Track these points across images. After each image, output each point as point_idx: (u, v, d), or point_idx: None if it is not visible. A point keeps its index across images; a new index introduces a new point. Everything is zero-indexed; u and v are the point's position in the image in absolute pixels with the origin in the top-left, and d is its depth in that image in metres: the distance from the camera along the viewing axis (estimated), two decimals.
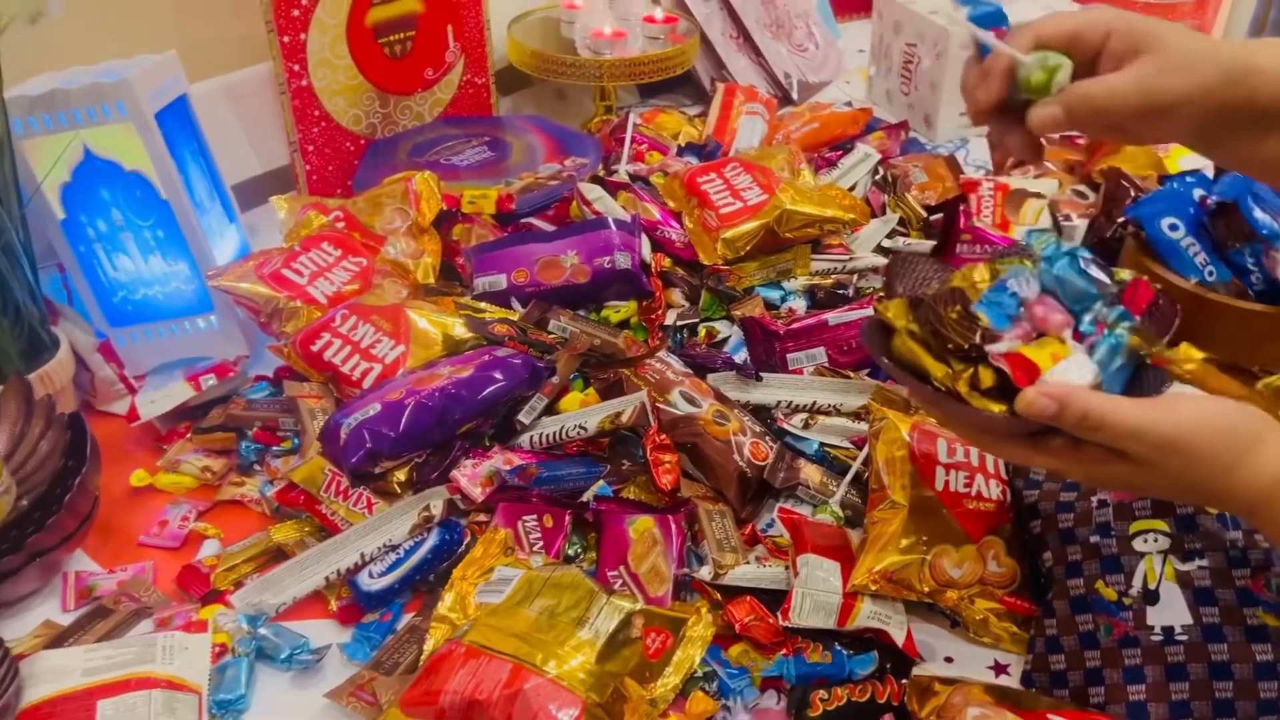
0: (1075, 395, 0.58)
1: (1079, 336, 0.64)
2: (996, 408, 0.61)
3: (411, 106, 1.36)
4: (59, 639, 0.78)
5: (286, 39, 1.20)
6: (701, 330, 1.05)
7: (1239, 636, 0.68)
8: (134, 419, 0.95)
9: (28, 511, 0.81)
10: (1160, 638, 0.69)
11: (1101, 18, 0.65)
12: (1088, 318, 0.64)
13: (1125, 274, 0.67)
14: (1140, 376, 0.64)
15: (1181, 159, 1.28)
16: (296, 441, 0.94)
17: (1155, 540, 0.72)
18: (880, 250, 1.16)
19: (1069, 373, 0.60)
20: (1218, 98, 0.63)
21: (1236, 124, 0.65)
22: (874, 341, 0.68)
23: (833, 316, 1.01)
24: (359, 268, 1.06)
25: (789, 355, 1.00)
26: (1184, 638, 0.68)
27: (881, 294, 1.05)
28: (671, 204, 1.17)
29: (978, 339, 0.63)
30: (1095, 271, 0.65)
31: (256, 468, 0.94)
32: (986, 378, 0.62)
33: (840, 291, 1.08)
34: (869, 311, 1.00)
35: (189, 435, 0.96)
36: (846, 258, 1.13)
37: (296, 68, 1.22)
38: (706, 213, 1.12)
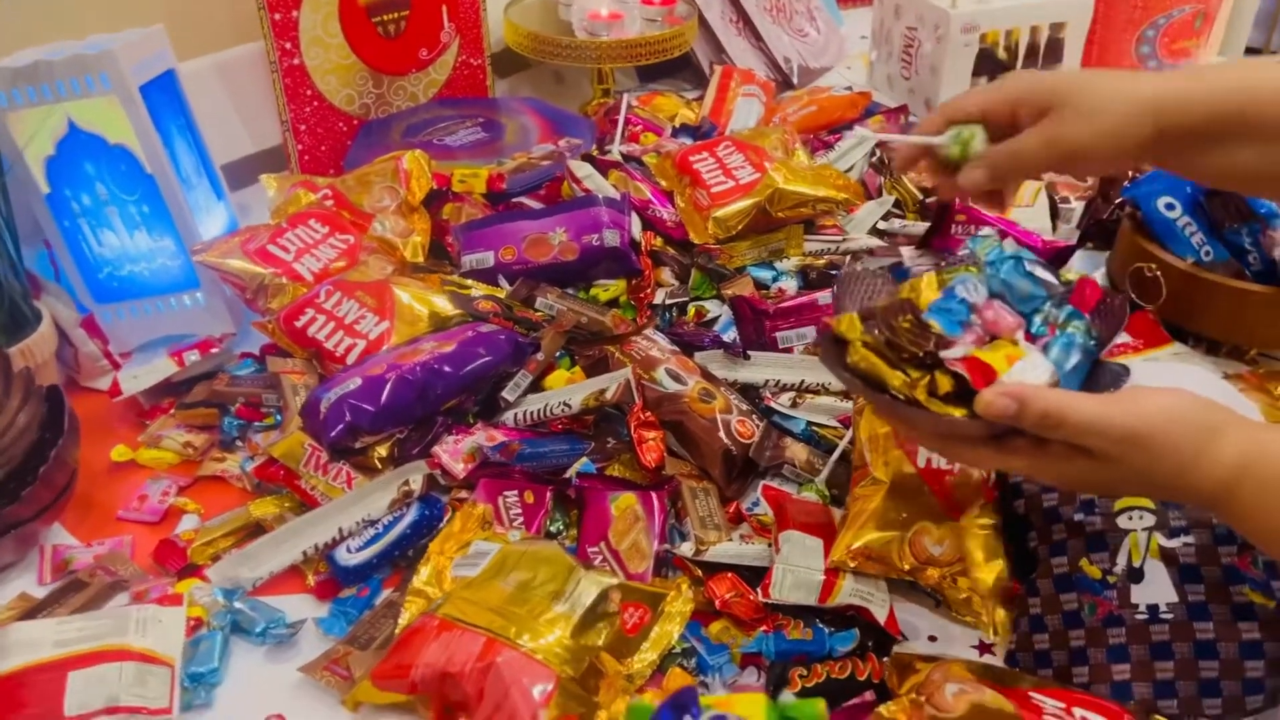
0: (1034, 394, 0.58)
1: (1031, 338, 0.64)
2: (957, 412, 0.61)
3: (405, 87, 1.36)
4: (33, 611, 0.77)
5: (278, 16, 1.19)
6: (691, 309, 1.04)
7: (1225, 615, 0.66)
8: (116, 394, 0.94)
9: (3, 483, 0.80)
10: (1145, 616, 0.68)
11: (1009, 92, 0.71)
12: (1038, 319, 0.64)
13: (1072, 275, 0.67)
14: (1096, 374, 0.64)
15: None
16: (279, 417, 0.93)
17: (1140, 517, 0.70)
18: (875, 232, 1.14)
19: (1026, 373, 0.60)
20: (1133, 134, 0.68)
21: (1177, 145, 0.68)
22: (830, 355, 0.67)
23: (823, 296, 0.99)
24: (346, 245, 1.05)
25: (778, 334, 0.99)
26: (1169, 616, 0.67)
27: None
28: (664, 183, 1.16)
29: (931, 346, 0.62)
30: (1041, 273, 0.65)
31: (238, 443, 0.93)
32: (944, 383, 0.61)
33: (833, 272, 1.07)
34: None
35: (172, 411, 0.95)
36: (840, 239, 1.11)
37: (289, 46, 1.22)
38: (698, 191, 1.11)
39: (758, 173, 1.09)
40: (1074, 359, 0.62)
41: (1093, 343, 0.64)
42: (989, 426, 0.60)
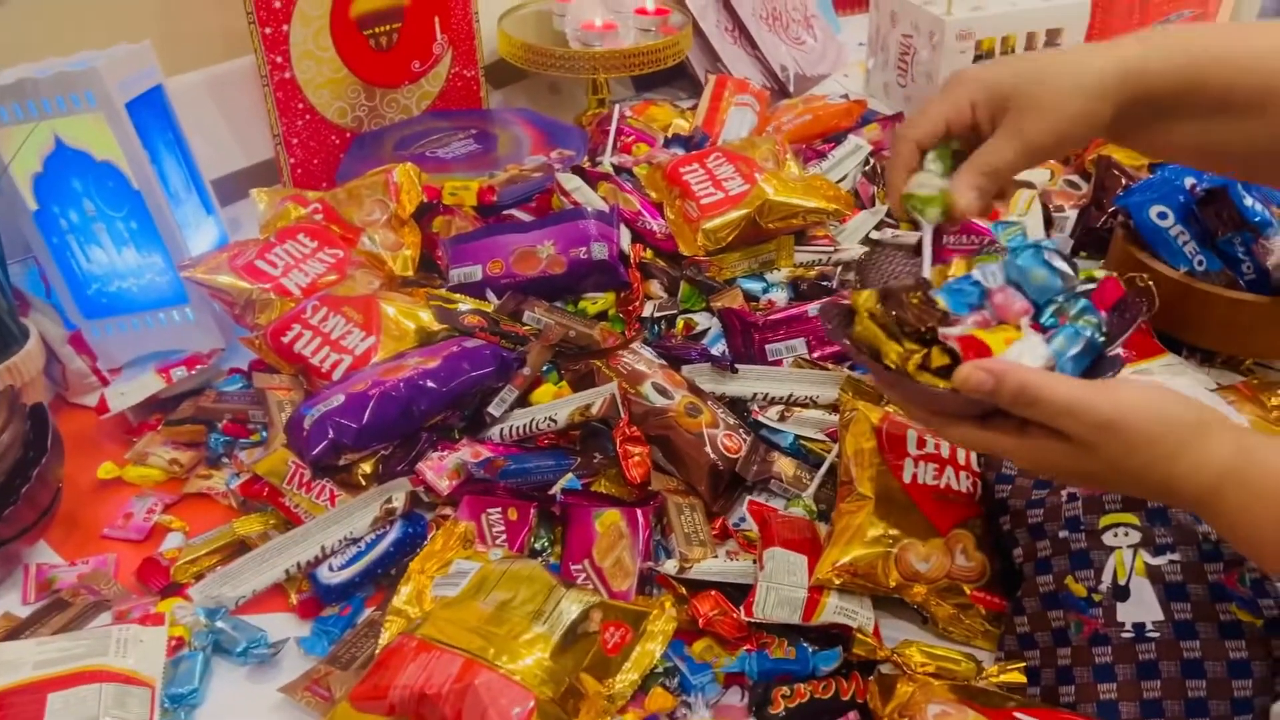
0: (1010, 369, 0.58)
1: (1039, 328, 0.63)
2: (942, 384, 0.61)
3: (398, 99, 1.36)
4: (15, 631, 0.77)
5: (268, 30, 1.19)
6: (680, 322, 1.03)
7: (1211, 633, 0.65)
8: (104, 411, 0.94)
9: None
10: (1131, 634, 0.67)
11: (960, 97, 0.69)
12: (1050, 309, 0.64)
13: (1099, 273, 0.66)
14: (1097, 367, 0.63)
15: None
16: (264, 434, 0.93)
17: (1126, 534, 0.69)
18: (867, 241, 1.14)
19: (1021, 356, 0.60)
20: (1094, 122, 0.67)
21: (1138, 121, 0.68)
22: (835, 322, 0.69)
23: (813, 308, 0.99)
24: (335, 259, 1.05)
25: (768, 346, 0.98)
26: (1155, 634, 0.66)
27: (856, 285, 1.04)
28: (654, 195, 1.15)
29: (934, 322, 0.63)
30: (1059, 263, 0.64)
31: (224, 460, 0.93)
32: (938, 358, 0.62)
33: (824, 283, 1.06)
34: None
35: (159, 428, 0.95)
36: (831, 249, 1.11)
37: (279, 60, 1.22)
38: (688, 203, 1.10)
39: (747, 184, 1.09)
40: (1075, 349, 0.62)
41: (1101, 338, 0.63)
42: (972, 404, 0.60)
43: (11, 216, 0.97)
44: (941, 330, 0.62)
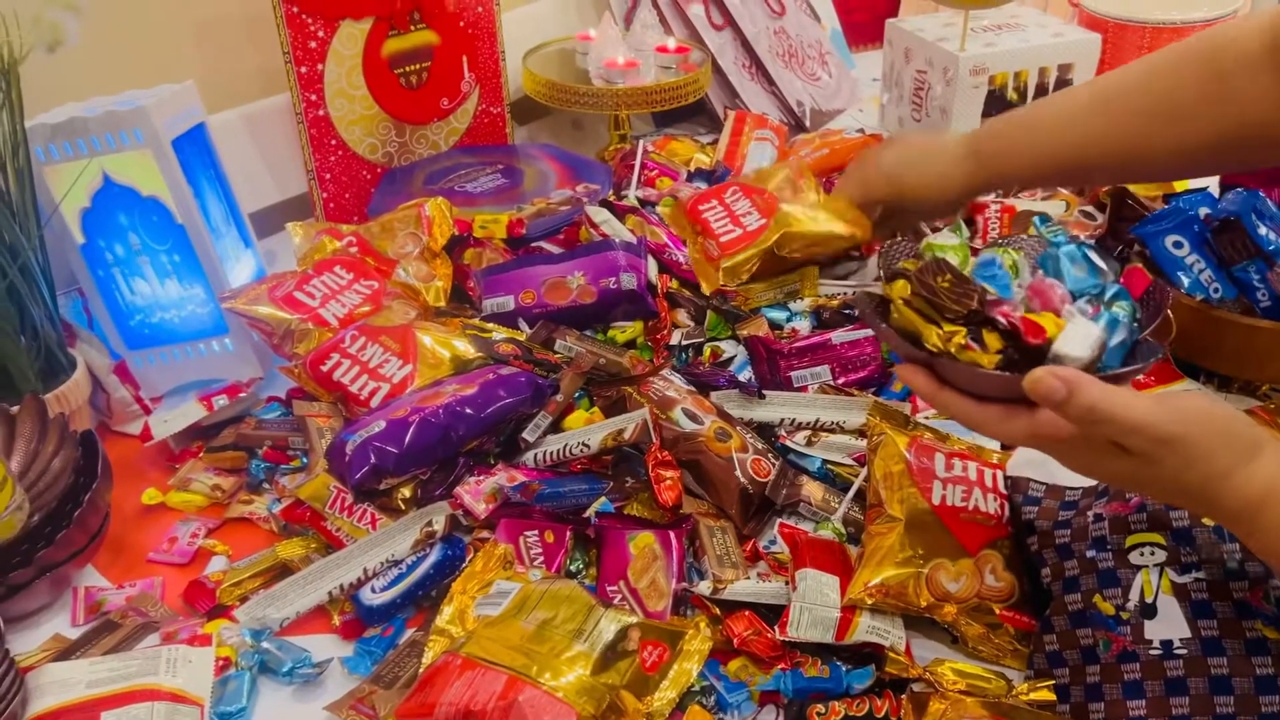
0: (1085, 385, 0.58)
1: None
2: (985, 359, 0.62)
3: (427, 135, 1.39)
4: (66, 652, 0.79)
5: (304, 70, 1.23)
6: (706, 350, 1.05)
7: (1239, 650, 0.67)
8: (147, 439, 0.97)
9: (38, 527, 0.83)
10: (1159, 652, 0.68)
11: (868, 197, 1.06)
12: (1083, 300, 0.65)
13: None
14: (1133, 353, 0.65)
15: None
16: (304, 460, 0.95)
17: (1152, 553, 0.71)
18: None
19: (1076, 335, 0.61)
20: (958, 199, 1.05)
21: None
22: (871, 315, 0.70)
23: (837, 335, 1.01)
24: (370, 290, 1.08)
25: (793, 373, 1.00)
26: (1183, 652, 0.68)
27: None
28: (675, 229, 1.18)
29: (975, 303, 0.63)
30: (1098, 260, 0.67)
31: (265, 486, 0.95)
32: (993, 341, 0.63)
33: (846, 311, 1.09)
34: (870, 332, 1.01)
35: (200, 454, 0.97)
36: (854, 285, 1.13)
37: (314, 98, 1.25)
38: (708, 242, 1.13)
39: (764, 218, 1.12)
40: (1118, 336, 0.63)
41: (1135, 324, 0.65)
42: (1016, 386, 0.60)
43: (59, 250, 1.00)
44: (998, 309, 0.63)
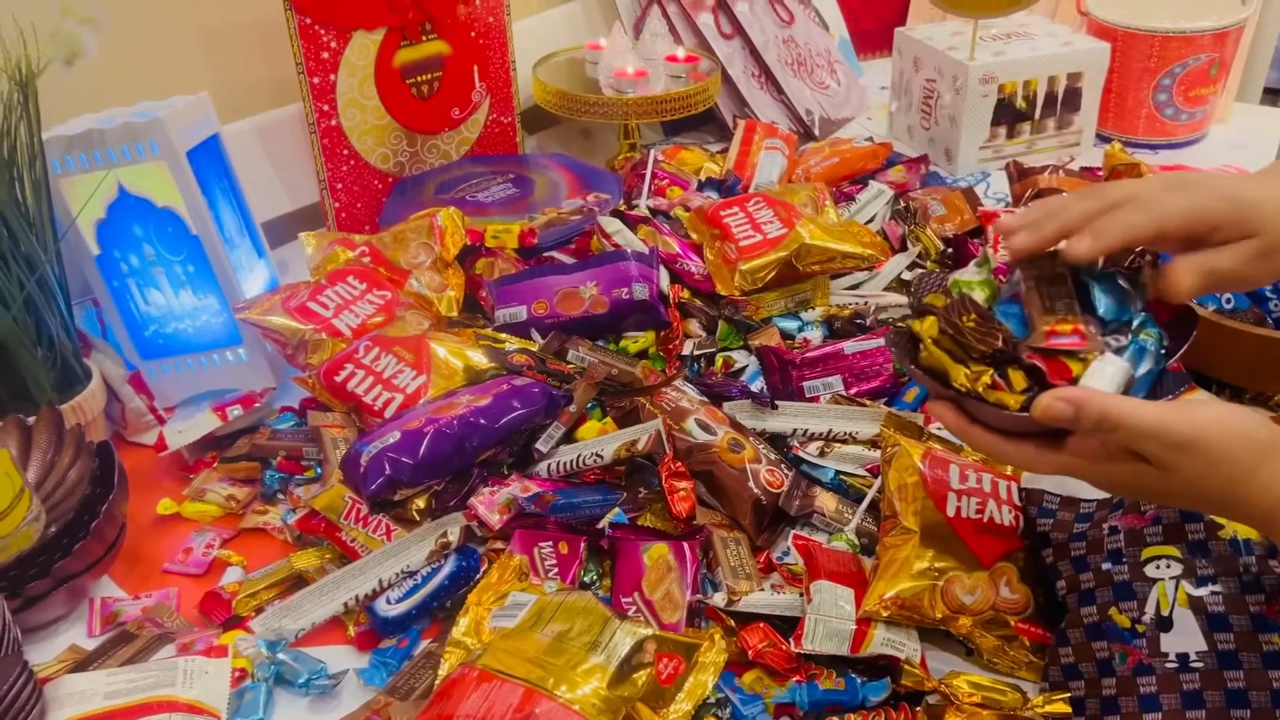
0: (1090, 397, 0.59)
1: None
2: (1012, 403, 0.63)
3: (438, 145, 1.39)
4: (83, 663, 0.79)
5: (316, 80, 1.24)
6: (718, 360, 1.06)
7: (1255, 663, 0.67)
8: (162, 449, 0.97)
9: (55, 538, 0.83)
10: (1175, 665, 0.68)
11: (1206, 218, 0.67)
12: (1111, 326, 0.66)
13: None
14: (1160, 383, 0.65)
15: None
16: (319, 470, 0.95)
17: (1168, 566, 0.71)
18: (900, 282, 1.17)
19: (1103, 371, 0.62)
20: None
21: None
22: (900, 349, 0.71)
23: (849, 345, 1.01)
24: (383, 301, 1.08)
25: (805, 383, 1.00)
26: (1199, 664, 0.68)
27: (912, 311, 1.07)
28: (694, 236, 1.19)
29: (1000, 343, 0.64)
30: (1125, 284, 0.67)
31: (280, 496, 0.95)
32: (1018, 380, 0.63)
33: (858, 320, 1.09)
34: (884, 341, 1.01)
35: (215, 465, 0.98)
36: (865, 296, 1.14)
37: (326, 108, 1.26)
38: (727, 245, 1.13)
39: (785, 228, 1.12)
40: (1145, 366, 0.64)
41: (1163, 352, 0.65)
42: (1044, 424, 0.61)
43: (74, 260, 1.01)
44: (1025, 349, 0.63)
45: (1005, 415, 0.63)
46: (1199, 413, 0.59)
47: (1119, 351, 0.64)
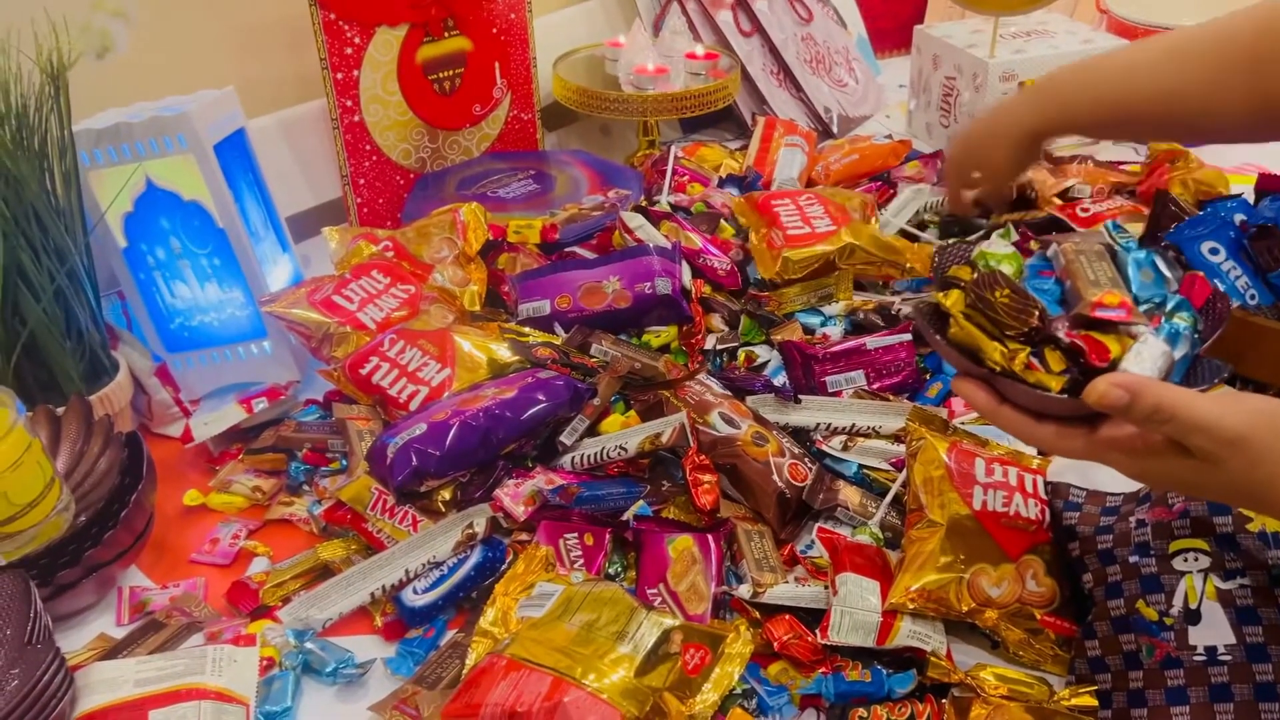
0: (1146, 386, 0.58)
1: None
2: (1052, 382, 0.61)
3: (460, 141, 1.40)
4: (113, 651, 0.80)
5: (340, 76, 1.24)
6: (741, 354, 1.06)
7: None
8: (188, 440, 0.98)
9: (85, 527, 0.84)
10: (1203, 658, 0.68)
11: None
12: (1146, 307, 0.65)
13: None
14: (1195, 368, 0.65)
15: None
16: (344, 462, 0.96)
17: (1196, 559, 0.71)
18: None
19: (1142, 353, 0.61)
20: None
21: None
22: (929, 327, 0.68)
23: (871, 340, 1.01)
24: (407, 295, 1.08)
25: (828, 378, 1.01)
26: (1227, 658, 0.68)
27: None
28: (741, 220, 1.21)
29: (1036, 320, 0.63)
30: (1165, 267, 0.67)
31: (305, 488, 0.96)
32: (1055, 360, 0.62)
33: (884, 313, 1.09)
34: (907, 337, 1.01)
35: (240, 456, 0.98)
36: (887, 293, 1.14)
37: (349, 104, 1.27)
38: (774, 231, 1.15)
39: (835, 225, 1.14)
40: (1180, 350, 0.63)
41: (1196, 335, 0.65)
42: (1081, 406, 0.60)
43: (101, 253, 1.01)
44: (1057, 329, 0.62)
45: (1041, 396, 0.62)
46: (1250, 407, 0.58)
47: (1156, 333, 0.63)
